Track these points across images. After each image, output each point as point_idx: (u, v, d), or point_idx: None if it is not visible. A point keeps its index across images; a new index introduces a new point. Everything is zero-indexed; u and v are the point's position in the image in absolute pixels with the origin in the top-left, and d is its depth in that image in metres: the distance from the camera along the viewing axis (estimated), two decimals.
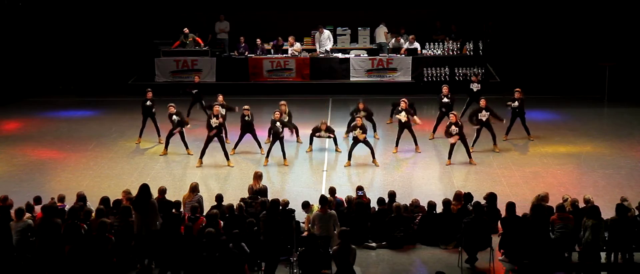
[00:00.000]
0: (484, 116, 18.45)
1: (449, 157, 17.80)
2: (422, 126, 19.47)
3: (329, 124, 18.65)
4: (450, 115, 17.96)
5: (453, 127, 17.57)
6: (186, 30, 25.39)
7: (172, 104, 18.56)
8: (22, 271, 12.30)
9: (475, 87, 20.93)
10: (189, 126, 19.05)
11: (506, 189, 16.06)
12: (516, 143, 19.35)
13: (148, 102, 19.50)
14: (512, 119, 19.46)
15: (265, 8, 27.69)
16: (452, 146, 17.75)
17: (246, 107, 18.52)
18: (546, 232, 12.53)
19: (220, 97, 19.28)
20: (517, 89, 19.32)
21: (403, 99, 18.85)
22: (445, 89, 19.80)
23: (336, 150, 18.86)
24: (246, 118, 18.46)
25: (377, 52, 25.69)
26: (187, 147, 18.69)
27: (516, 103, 19.17)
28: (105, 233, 12.13)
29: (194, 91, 21.29)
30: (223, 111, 18.47)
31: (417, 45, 25.30)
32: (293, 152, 18.94)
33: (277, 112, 18.23)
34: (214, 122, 17.79)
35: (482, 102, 18.62)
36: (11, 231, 12.55)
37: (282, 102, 19.15)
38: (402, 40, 25.61)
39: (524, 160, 18.21)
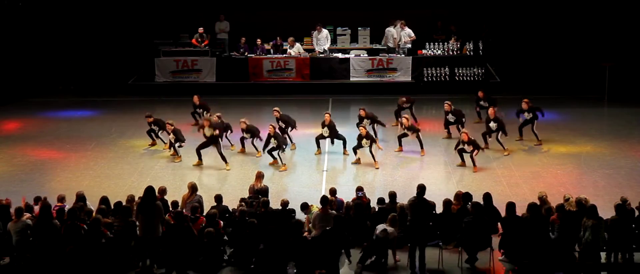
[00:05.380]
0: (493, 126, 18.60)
1: (462, 160, 17.72)
2: (432, 128, 19.57)
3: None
4: (462, 134, 17.65)
5: (466, 146, 17.40)
6: (201, 30, 25.42)
7: (170, 122, 18.44)
8: (22, 271, 12.31)
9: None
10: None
11: (506, 189, 16.06)
12: (517, 144, 19.34)
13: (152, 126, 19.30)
14: (523, 124, 19.51)
15: (265, 8, 27.70)
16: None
17: (243, 120, 18.49)
18: (546, 232, 12.52)
19: (215, 117, 19.17)
20: (525, 100, 19.31)
21: (405, 116, 18.90)
22: (446, 107, 19.65)
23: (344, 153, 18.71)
24: (244, 134, 18.48)
25: (378, 52, 25.68)
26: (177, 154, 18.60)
27: (527, 114, 19.26)
28: (99, 227, 12.15)
29: (199, 111, 20.99)
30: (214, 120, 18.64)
31: (408, 30, 25.16)
32: (294, 152, 18.95)
33: (271, 127, 17.95)
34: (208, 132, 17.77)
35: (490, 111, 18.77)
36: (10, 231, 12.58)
37: (276, 108, 19.17)
38: (402, 33, 25.47)
39: (524, 160, 18.21)
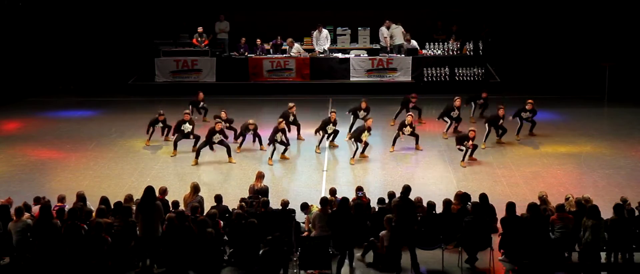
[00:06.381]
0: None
1: (464, 159, 17.77)
2: (432, 128, 19.59)
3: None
4: (470, 132, 17.75)
5: (470, 142, 17.58)
6: (201, 29, 25.44)
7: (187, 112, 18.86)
8: (22, 271, 12.31)
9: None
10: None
11: (506, 189, 16.07)
12: (516, 143, 19.34)
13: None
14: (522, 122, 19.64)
15: (265, 8, 27.71)
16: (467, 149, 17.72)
17: (251, 121, 18.73)
18: (546, 232, 12.53)
19: (223, 114, 19.35)
20: (530, 101, 19.51)
21: (409, 114, 19.15)
22: (457, 102, 19.91)
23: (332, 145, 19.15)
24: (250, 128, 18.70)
25: (377, 52, 25.68)
26: (175, 149, 18.67)
27: (528, 113, 19.50)
28: (100, 233, 12.15)
29: (200, 106, 21.30)
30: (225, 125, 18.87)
31: (414, 43, 25.32)
32: (294, 152, 18.95)
33: (282, 122, 18.33)
34: (216, 137, 17.95)
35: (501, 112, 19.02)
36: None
37: (291, 104, 19.58)
38: (407, 45, 25.52)
39: (524, 160, 18.21)
